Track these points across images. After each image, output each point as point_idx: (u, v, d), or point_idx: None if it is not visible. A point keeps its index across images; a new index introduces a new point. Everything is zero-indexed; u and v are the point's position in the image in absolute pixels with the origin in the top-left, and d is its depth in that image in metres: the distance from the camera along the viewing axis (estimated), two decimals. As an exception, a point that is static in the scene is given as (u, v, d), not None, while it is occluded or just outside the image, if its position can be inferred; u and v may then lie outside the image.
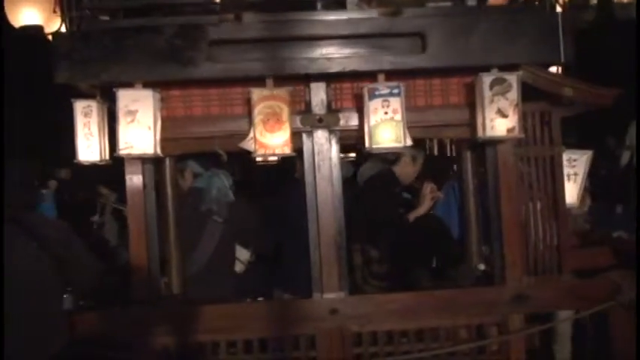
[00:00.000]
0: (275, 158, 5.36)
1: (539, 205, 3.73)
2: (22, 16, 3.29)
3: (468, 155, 3.87)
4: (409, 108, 3.59)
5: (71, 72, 3.38)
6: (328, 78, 3.58)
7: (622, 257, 4.15)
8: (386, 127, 3.44)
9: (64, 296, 3.47)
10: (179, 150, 3.65)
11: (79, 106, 3.52)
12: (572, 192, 3.94)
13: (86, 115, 3.53)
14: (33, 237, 3.17)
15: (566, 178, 3.91)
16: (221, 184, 3.82)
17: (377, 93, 3.44)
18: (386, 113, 3.43)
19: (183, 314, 3.57)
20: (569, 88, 3.56)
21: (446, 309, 3.60)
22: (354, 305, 3.58)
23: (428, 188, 3.97)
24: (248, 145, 3.44)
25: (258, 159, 5.37)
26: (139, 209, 3.58)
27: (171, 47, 3.37)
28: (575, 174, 3.95)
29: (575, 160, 3.95)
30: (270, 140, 3.41)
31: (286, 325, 3.56)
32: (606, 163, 6.49)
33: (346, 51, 3.46)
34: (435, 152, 4.20)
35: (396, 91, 3.44)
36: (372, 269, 3.92)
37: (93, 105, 3.52)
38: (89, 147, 3.53)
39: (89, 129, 3.53)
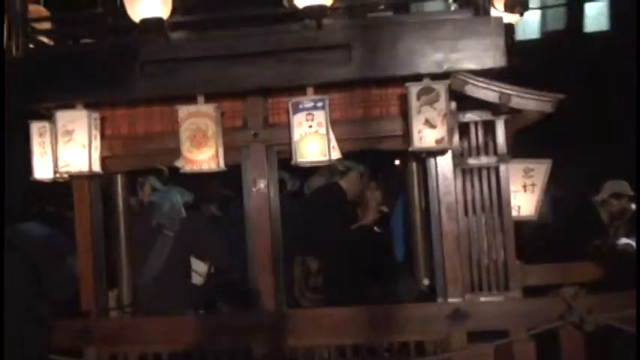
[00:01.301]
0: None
1: (483, 219, 3.58)
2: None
3: (413, 167, 3.77)
4: (346, 120, 3.60)
5: (17, 96, 3.61)
6: (264, 93, 3.62)
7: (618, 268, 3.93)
8: (311, 140, 3.44)
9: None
10: (125, 167, 3.79)
11: (35, 127, 3.75)
12: (529, 203, 3.76)
13: (41, 135, 3.75)
14: (16, 248, 3.38)
15: (522, 188, 3.75)
16: (175, 200, 3.92)
17: (301, 107, 3.44)
18: (310, 127, 3.43)
19: (124, 326, 3.70)
20: (505, 95, 3.41)
21: (382, 324, 3.52)
22: (288, 319, 3.57)
23: (374, 201, 3.91)
24: (180, 161, 3.53)
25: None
26: (86, 224, 3.74)
27: (104, 69, 3.53)
28: (533, 184, 3.76)
29: (532, 170, 3.76)
30: (197, 156, 3.49)
31: (221, 337, 3.60)
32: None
33: (274, 66, 3.48)
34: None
35: (320, 104, 3.43)
36: (310, 282, 3.90)
37: (47, 126, 3.72)
38: (44, 165, 3.75)
39: (44, 148, 3.75)
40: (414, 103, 3.37)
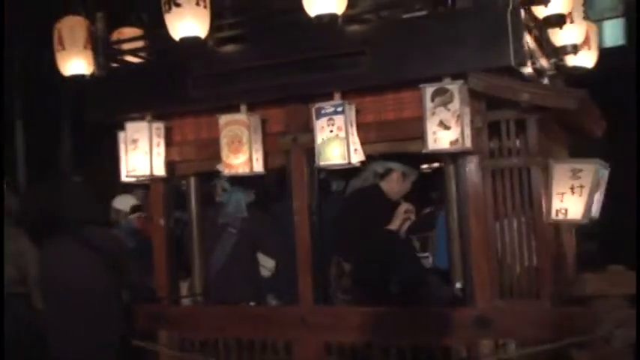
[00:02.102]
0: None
1: (515, 223, 3.40)
2: (72, 67, 4.15)
3: (450, 169, 3.68)
4: (377, 123, 3.65)
5: (99, 110, 4.20)
6: (305, 99, 3.77)
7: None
8: (332, 144, 3.54)
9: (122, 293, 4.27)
10: (192, 170, 4.19)
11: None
12: (577, 206, 3.47)
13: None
14: (90, 247, 4.01)
15: (570, 190, 3.49)
16: (238, 200, 4.25)
17: (323, 112, 3.56)
18: (331, 131, 3.54)
19: (188, 313, 4.12)
20: (526, 92, 3.22)
21: (406, 327, 3.51)
22: (320, 316, 3.72)
23: (403, 208, 3.88)
24: (220, 165, 3.84)
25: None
26: (162, 221, 4.21)
27: (163, 84, 3.96)
28: (581, 186, 3.47)
29: (580, 171, 3.47)
30: (234, 161, 3.77)
31: (265, 328, 3.85)
32: None
33: (302, 73, 3.65)
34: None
35: (340, 109, 3.52)
36: (342, 282, 3.95)
37: (132, 134, 4.25)
38: (129, 170, 4.28)
39: (129, 154, 4.28)
40: (428, 104, 3.33)
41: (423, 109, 3.34)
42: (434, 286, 3.75)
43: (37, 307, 4.51)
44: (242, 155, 3.74)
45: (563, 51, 4.06)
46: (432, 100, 3.32)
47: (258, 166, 3.78)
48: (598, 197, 4.07)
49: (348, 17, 3.49)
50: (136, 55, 4.31)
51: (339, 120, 3.52)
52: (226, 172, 3.81)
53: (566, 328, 3.23)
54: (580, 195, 3.48)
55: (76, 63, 4.11)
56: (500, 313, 3.35)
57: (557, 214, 3.51)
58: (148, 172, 4.00)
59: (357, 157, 3.55)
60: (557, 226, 3.63)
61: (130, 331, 4.08)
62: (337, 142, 3.52)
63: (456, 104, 3.28)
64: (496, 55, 3.23)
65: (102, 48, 4.13)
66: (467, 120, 3.31)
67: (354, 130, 3.56)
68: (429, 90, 3.33)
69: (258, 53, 3.77)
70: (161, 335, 4.15)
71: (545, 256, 3.35)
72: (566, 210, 3.50)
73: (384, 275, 3.79)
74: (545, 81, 4.03)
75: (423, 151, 3.38)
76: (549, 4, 3.46)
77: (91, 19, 4.15)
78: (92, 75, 4.12)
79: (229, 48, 3.84)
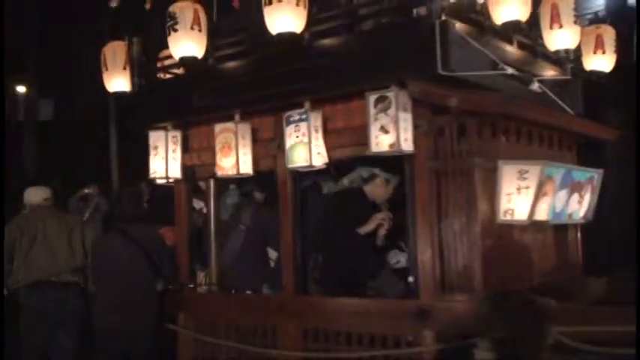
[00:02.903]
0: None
1: (456, 223, 3.59)
2: (115, 85, 4.86)
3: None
4: (346, 129, 3.98)
5: (134, 121, 4.89)
6: (287, 109, 4.17)
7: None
8: (298, 148, 3.93)
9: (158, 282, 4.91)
10: (207, 174, 4.72)
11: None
12: (523, 207, 3.59)
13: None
14: (132, 242, 4.71)
15: (516, 191, 3.62)
16: (222, 202, 4.79)
17: (291, 119, 3.96)
18: (297, 137, 3.92)
19: (198, 298, 4.67)
20: (454, 98, 3.42)
21: (363, 316, 3.80)
22: (295, 304, 4.10)
23: (380, 215, 4.11)
24: (215, 168, 4.35)
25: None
26: (183, 218, 4.81)
27: (175, 99, 4.56)
28: (527, 187, 3.58)
29: (526, 172, 3.58)
30: (224, 164, 4.26)
31: (253, 314, 4.30)
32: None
33: (277, 85, 4.07)
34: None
35: (304, 116, 3.91)
36: (315, 275, 4.24)
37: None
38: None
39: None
40: (371, 110, 3.63)
41: (367, 115, 3.64)
42: (386, 280, 3.99)
43: (90, 291, 5.27)
44: (230, 159, 4.23)
45: (557, 56, 4.16)
46: (375, 106, 3.61)
47: (246, 169, 4.24)
48: (589, 199, 4.14)
49: (316, 33, 3.89)
50: (169, 72, 4.94)
51: (303, 126, 3.90)
52: (219, 173, 4.31)
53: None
54: (526, 195, 3.60)
55: (117, 82, 4.81)
56: (438, 307, 3.56)
57: (505, 215, 3.66)
58: (163, 174, 4.61)
59: (320, 160, 3.91)
60: (509, 227, 3.75)
61: (162, 317, 4.70)
62: (301, 146, 3.90)
63: (393, 110, 3.54)
64: (426, 65, 3.46)
65: (137, 68, 4.81)
66: (405, 124, 3.56)
67: (318, 136, 3.92)
68: (372, 97, 3.63)
69: (246, 68, 4.25)
70: (180, 317, 4.74)
71: (476, 253, 3.52)
72: (512, 210, 3.63)
73: (345, 269, 4.09)
74: (535, 86, 4.14)
75: (367, 153, 3.67)
76: (507, 11, 3.63)
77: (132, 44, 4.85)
78: (132, 92, 4.81)
79: (225, 64, 4.36)
